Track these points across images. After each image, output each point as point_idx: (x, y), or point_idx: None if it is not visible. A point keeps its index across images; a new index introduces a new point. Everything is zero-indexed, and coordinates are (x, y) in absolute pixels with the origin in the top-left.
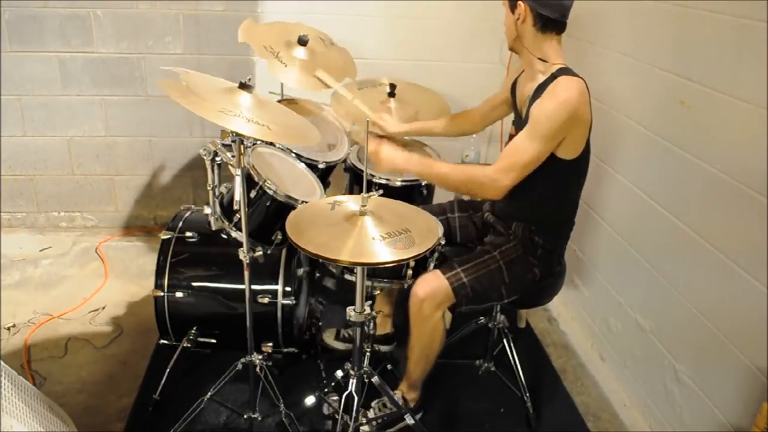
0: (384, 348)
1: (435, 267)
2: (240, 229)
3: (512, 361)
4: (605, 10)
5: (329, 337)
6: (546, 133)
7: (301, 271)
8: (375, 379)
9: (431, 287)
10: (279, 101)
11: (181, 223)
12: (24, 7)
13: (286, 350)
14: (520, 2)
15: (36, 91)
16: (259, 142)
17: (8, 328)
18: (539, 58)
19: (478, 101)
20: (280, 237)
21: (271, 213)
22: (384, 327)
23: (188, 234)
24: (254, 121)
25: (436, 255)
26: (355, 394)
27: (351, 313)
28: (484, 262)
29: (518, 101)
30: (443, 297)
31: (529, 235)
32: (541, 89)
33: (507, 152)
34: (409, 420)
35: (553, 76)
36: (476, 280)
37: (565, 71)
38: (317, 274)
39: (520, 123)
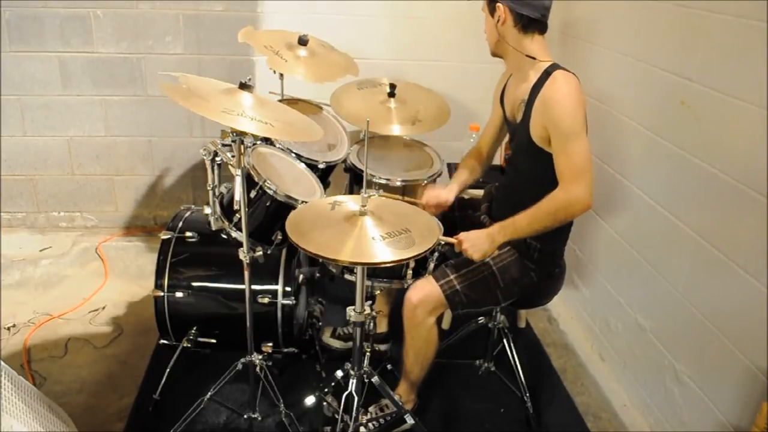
0: (381, 347)
1: (435, 267)
2: (240, 229)
3: (512, 361)
4: (605, 10)
5: (326, 335)
6: (577, 127)
7: (300, 278)
8: (375, 379)
9: (424, 293)
10: (279, 101)
11: (181, 223)
12: (24, 7)
13: (286, 350)
14: (498, 4)
15: (36, 91)
16: (259, 142)
17: (8, 328)
18: (527, 56)
19: (478, 101)
20: (280, 237)
21: (271, 213)
22: (380, 326)
23: (188, 234)
24: (257, 120)
25: (436, 255)
26: (355, 394)
27: (351, 313)
28: (477, 268)
29: (510, 107)
30: (436, 303)
31: (523, 240)
32: (537, 88)
33: (561, 167)
34: (409, 420)
35: (547, 72)
36: (469, 287)
37: (557, 66)
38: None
39: (515, 127)
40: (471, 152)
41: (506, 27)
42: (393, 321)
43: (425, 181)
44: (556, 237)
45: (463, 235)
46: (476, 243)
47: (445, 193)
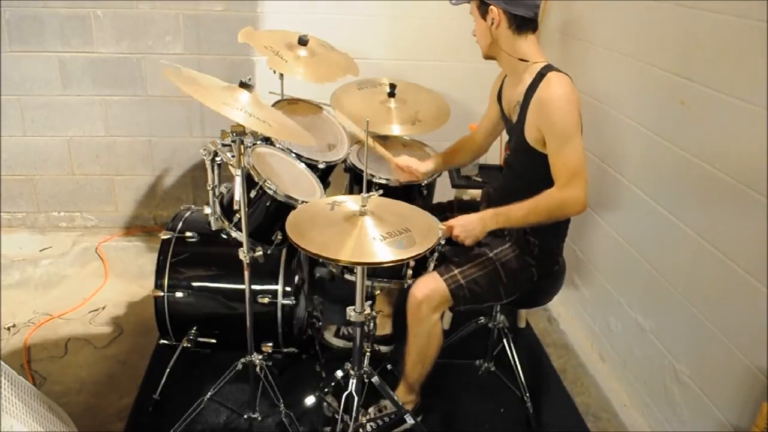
0: (384, 348)
1: (435, 267)
2: (240, 229)
3: (512, 361)
4: (605, 10)
5: (329, 334)
6: (572, 129)
7: (297, 279)
8: (375, 379)
9: (429, 289)
10: (280, 101)
11: (181, 223)
12: (24, 7)
13: (286, 350)
14: (492, 7)
15: (36, 91)
16: (259, 142)
17: (8, 328)
18: (519, 59)
19: (478, 101)
20: (280, 237)
21: (271, 213)
22: (383, 328)
23: (188, 234)
24: (255, 117)
25: (435, 255)
26: (355, 394)
27: (351, 313)
28: (480, 263)
29: (507, 106)
30: (441, 298)
31: (523, 236)
32: (531, 91)
33: (557, 169)
34: (409, 420)
35: (541, 75)
36: (473, 281)
37: (550, 68)
38: (317, 274)
39: (511, 127)
40: (463, 138)
41: (500, 29)
42: (397, 323)
43: (425, 181)
44: (553, 234)
45: (453, 221)
46: (468, 227)
47: (417, 163)
